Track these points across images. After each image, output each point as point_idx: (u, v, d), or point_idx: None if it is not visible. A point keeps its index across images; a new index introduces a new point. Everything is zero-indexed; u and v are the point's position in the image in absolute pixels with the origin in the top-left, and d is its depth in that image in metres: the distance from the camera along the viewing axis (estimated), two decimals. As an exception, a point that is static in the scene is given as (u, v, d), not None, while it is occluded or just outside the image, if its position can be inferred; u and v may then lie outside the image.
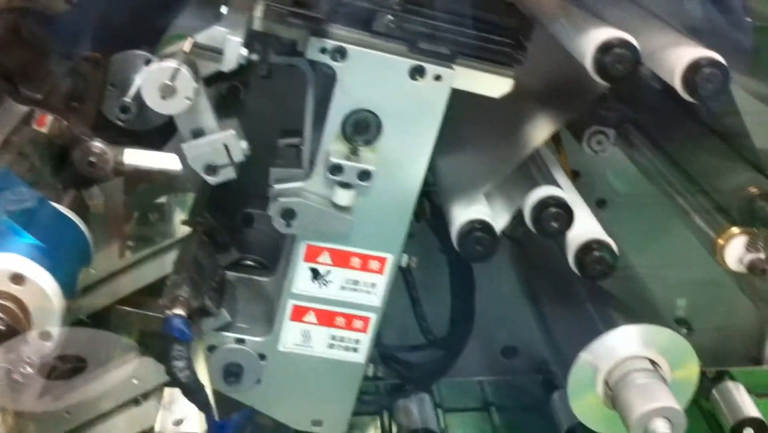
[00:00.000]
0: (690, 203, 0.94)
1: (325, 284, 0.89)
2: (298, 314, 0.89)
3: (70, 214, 0.71)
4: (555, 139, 1.10)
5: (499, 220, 0.85)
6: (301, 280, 0.88)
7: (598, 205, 1.22)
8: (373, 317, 0.91)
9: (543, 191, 0.82)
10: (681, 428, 0.83)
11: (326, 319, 0.90)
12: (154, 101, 0.71)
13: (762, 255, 0.83)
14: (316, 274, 0.88)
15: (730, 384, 1.23)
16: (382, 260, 0.88)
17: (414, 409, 1.19)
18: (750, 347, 1.31)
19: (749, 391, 1.26)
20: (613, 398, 0.88)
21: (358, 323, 0.91)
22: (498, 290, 1.23)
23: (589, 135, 1.05)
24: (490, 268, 1.19)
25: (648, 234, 1.24)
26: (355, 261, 0.88)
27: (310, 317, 0.90)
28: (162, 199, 1.03)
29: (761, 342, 1.30)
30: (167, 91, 0.70)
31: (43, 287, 0.63)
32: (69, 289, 0.66)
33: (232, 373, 0.91)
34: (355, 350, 0.92)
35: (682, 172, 0.96)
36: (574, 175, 1.20)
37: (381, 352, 1.03)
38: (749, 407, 1.19)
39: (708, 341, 1.30)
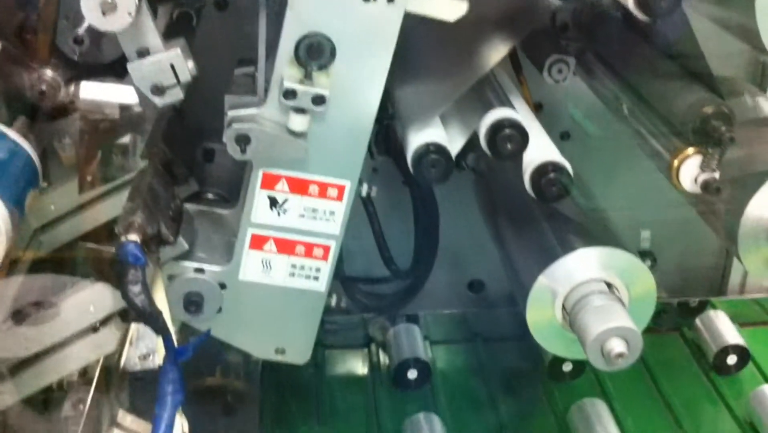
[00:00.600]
0: (647, 129, 0.93)
1: (283, 212, 0.89)
2: (258, 243, 0.89)
3: (17, 136, 0.70)
4: (516, 70, 1.10)
5: (455, 144, 0.85)
6: (259, 208, 0.88)
7: (561, 138, 1.23)
8: (333, 245, 0.91)
9: (498, 113, 0.82)
10: (637, 348, 0.84)
11: (286, 247, 0.90)
12: (94, 18, 0.70)
13: (716, 174, 0.83)
14: (274, 202, 0.88)
15: (712, 313, 1.25)
16: (340, 188, 0.88)
17: (404, 340, 1.20)
18: (714, 278, 1.32)
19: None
20: (571, 322, 0.89)
21: (318, 252, 0.91)
22: (464, 226, 1.24)
23: (550, 64, 1.05)
24: (455, 203, 1.21)
25: (612, 167, 1.25)
26: (313, 189, 0.88)
27: (270, 246, 0.90)
28: (125, 139, 1.03)
29: (725, 273, 1.31)
30: (107, 7, 0.69)
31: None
32: (15, 207, 0.65)
33: (192, 302, 0.91)
34: (315, 278, 0.92)
35: (640, 99, 0.96)
36: (538, 108, 1.20)
37: (344, 283, 1.04)
38: (732, 335, 1.21)
39: (672, 272, 1.32)
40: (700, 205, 0.96)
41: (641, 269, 0.90)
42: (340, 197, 0.88)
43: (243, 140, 0.83)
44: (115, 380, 1.04)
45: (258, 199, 0.88)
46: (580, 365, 1.17)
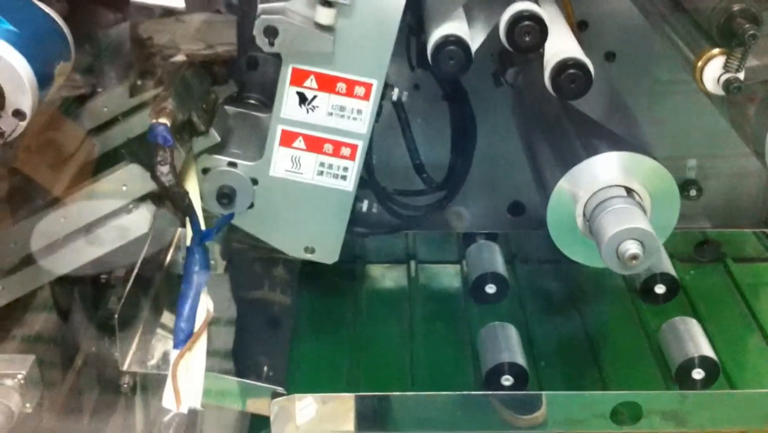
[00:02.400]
0: (682, 37, 0.92)
1: (312, 110, 0.91)
2: (287, 140, 0.92)
3: (51, 12, 0.74)
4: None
5: (477, 38, 0.85)
6: (288, 104, 0.91)
7: (606, 58, 1.21)
8: (360, 145, 0.93)
9: (518, 5, 0.82)
10: (653, 251, 0.84)
11: (314, 145, 0.93)
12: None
13: (739, 74, 0.82)
14: (303, 98, 0.91)
15: None
16: (367, 86, 0.90)
17: (484, 255, 1.22)
18: (760, 208, 1.29)
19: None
20: (590, 226, 0.89)
21: (345, 151, 0.93)
22: (504, 148, 1.24)
23: (590, -25, 1.04)
24: (495, 126, 1.21)
25: (659, 91, 1.23)
26: (341, 86, 0.90)
27: (299, 143, 0.92)
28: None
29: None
30: None
31: (15, 67, 0.67)
32: (43, 77, 0.70)
33: (224, 195, 0.95)
34: (343, 177, 0.94)
35: (677, 7, 0.94)
36: (582, 26, 1.19)
37: (377, 192, 1.06)
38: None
39: (718, 202, 1.30)
40: (732, 112, 0.94)
41: (665, 176, 0.89)
42: (366, 96, 0.90)
43: (271, 32, 0.85)
44: (159, 281, 1.10)
45: (288, 95, 0.91)
46: (673, 288, 1.16)
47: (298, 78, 0.90)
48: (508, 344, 1.05)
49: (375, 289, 1.24)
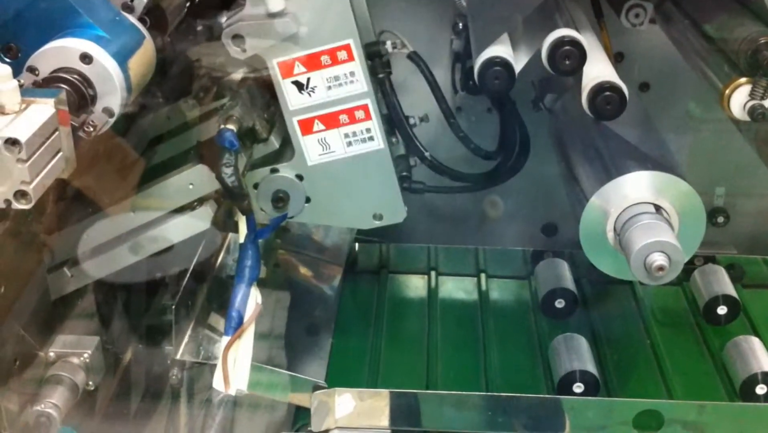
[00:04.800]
0: (712, 69, 0.98)
1: (312, 91, 0.97)
2: (307, 127, 0.98)
3: (137, 22, 0.83)
4: (597, 16, 1.16)
5: (520, 61, 0.92)
6: (290, 96, 0.97)
7: (641, 88, 1.27)
8: (369, 102, 0.98)
9: (560, 32, 0.89)
10: (678, 265, 0.89)
11: (331, 121, 0.98)
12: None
13: (765, 102, 0.88)
14: (300, 85, 0.97)
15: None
16: (346, 48, 0.95)
17: (552, 272, 1.28)
18: (786, 238, 1.34)
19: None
20: (620, 240, 0.95)
21: (359, 114, 0.99)
22: (541, 170, 1.30)
23: (628, 8, 1.10)
24: (534, 147, 1.27)
25: (689, 120, 1.29)
26: (325, 59, 0.96)
27: (318, 126, 0.98)
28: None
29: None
30: None
31: (107, 68, 0.75)
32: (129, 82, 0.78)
33: (279, 199, 1.02)
34: (371, 138, 1.00)
35: (708, 41, 1.01)
36: (619, 58, 1.26)
37: (429, 164, 1.10)
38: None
39: (746, 228, 1.35)
40: (759, 142, 1.00)
41: (692, 195, 0.95)
42: (351, 57, 0.95)
43: (238, 39, 0.92)
44: (210, 282, 1.18)
45: (286, 88, 0.97)
46: (735, 308, 1.22)
47: (286, 69, 0.96)
48: (579, 354, 1.11)
49: (444, 300, 1.30)
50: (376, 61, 1.02)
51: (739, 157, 1.26)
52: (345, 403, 1.05)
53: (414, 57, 1.05)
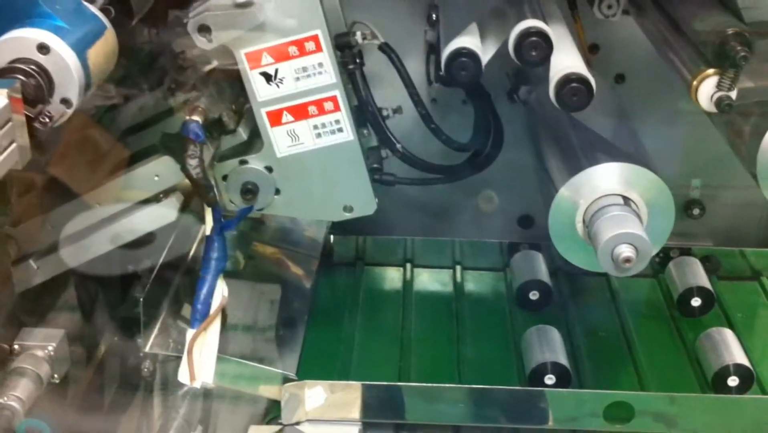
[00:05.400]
0: (679, 56, 0.98)
1: (280, 83, 0.96)
2: (276, 119, 0.98)
3: (98, 12, 0.82)
4: (571, 7, 1.16)
5: (488, 51, 0.92)
6: (258, 87, 0.96)
7: (616, 80, 1.27)
8: (338, 94, 0.98)
9: (526, 23, 0.89)
10: (646, 256, 0.89)
11: (300, 113, 0.98)
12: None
13: (731, 93, 0.87)
14: (267, 77, 0.96)
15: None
16: (314, 39, 0.95)
17: (529, 263, 1.27)
18: (762, 229, 1.34)
19: (761, 273, 1.30)
20: (588, 231, 0.94)
21: (328, 105, 0.98)
22: (516, 162, 1.29)
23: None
24: (507, 139, 1.27)
25: (666, 112, 1.28)
26: (293, 49, 0.95)
27: (287, 117, 0.98)
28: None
29: (773, 225, 1.33)
30: None
31: (65, 59, 0.74)
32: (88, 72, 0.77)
33: (248, 190, 1.02)
34: (340, 129, 0.99)
35: (678, 32, 1.00)
36: (594, 49, 1.25)
37: (400, 156, 1.09)
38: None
39: (721, 222, 1.34)
40: (730, 132, 0.99)
41: (661, 187, 0.95)
42: (319, 48, 0.95)
43: (204, 29, 0.91)
44: (182, 273, 1.17)
45: (254, 79, 0.96)
46: (709, 301, 1.22)
47: (254, 60, 0.95)
48: (551, 346, 1.11)
49: (419, 292, 1.30)
50: (347, 53, 1.01)
51: (715, 149, 1.25)
52: (316, 395, 1.05)
53: (385, 48, 1.04)
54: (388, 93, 1.12)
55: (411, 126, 1.17)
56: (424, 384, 1.05)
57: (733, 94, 0.88)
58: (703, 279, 1.23)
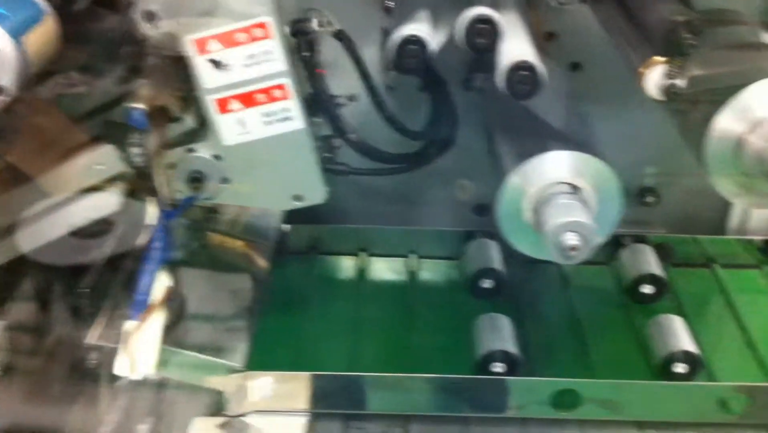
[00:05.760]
0: (631, 44, 0.98)
1: (228, 69, 0.95)
2: (223, 106, 0.96)
3: (42, 1, 0.80)
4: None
5: (439, 37, 0.91)
6: (206, 74, 0.95)
7: (572, 68, 1.26)
8: (287, 81, 0.96)
9: (474, 10, 0.88)
10: (591, 243, 0.89)
11: (248, 100, 0.96)
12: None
13: (679, 81, 0.87)
14: (215, 63, 0.95)
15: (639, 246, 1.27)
16: (262, 25, 0.93)
17: (483, 252, 1.27)
18: (715, 216, 1.34)
19: (714, 260, 1.31)
20: (536, 219, 0.94)
21: (277, 93, 0.96)
22: (472, 150, 1.29)
23: (555, -14, 1.09)
24: (463, 127, 1.26)
25: (622, 100, 1.28)
26: (241, 36, 0.94)
27: (235, 104, 0.96)
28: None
29: (726, 212, 1.34)
30: None
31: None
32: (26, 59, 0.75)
33: (194, 179, 1.00)
34: (289, 118, 0.98)
35: (630, 18, 1.00)
36: (550, 37, 1.25)
37: (353, 145, 1.08)
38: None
39: (675, 209, 1.35)
40: (680, 121, 0.99)
41: (610, 175, 0.95)
42: (268, 34, 0.93)
43: (151, 16, 0.90)
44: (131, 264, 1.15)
45: (201, 66, 0.94)
46: (661, 288, 1.22)
47: (201, 46, 0.94)
48: (500, 334, 1.11)
49: (373, 281, 1.30)
50: (301, 39, 1.00)
51: (670, 137, 1.23)
52: (263, 386, 1.04)
53: (340, 35, 1.03)
54: (345, 81, 1.11)
55: (368, 114, 1.16)
56: (374, 374, 1.04)
57: (681, 83, 0.88)
58: (655, 266, 1.24)
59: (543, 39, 1.22)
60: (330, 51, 1.06)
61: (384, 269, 1.32)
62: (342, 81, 1.09)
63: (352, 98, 1.09)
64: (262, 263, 1.27)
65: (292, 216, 1.28)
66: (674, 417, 1.05)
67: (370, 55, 1.11)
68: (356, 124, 1.10)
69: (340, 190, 1.31)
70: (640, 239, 1.30)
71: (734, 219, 1.34)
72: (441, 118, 1.11)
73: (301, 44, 0.99)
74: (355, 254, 1.33)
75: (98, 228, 1.04)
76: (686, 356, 1.07)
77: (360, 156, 1.09)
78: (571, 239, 0.88)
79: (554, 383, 1.02)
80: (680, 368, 1.07)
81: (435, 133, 1.10)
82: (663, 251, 1.30)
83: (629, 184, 1.31)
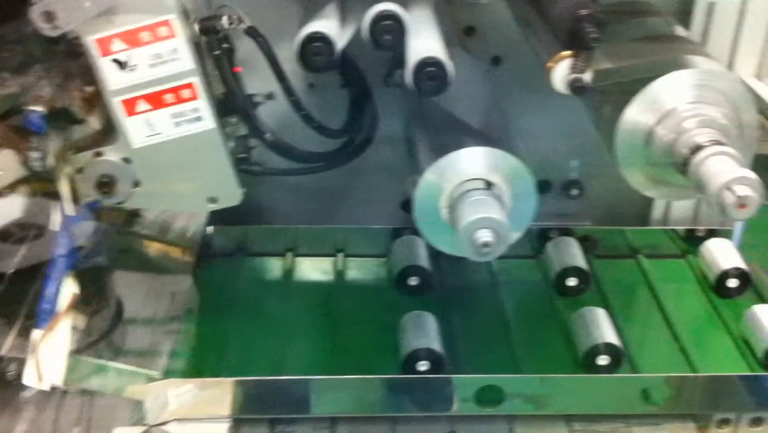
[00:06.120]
0: (540, 39, 0.97)
1: (133, 70, 0.92)
2: (130, 108, 0.94)
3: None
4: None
5: (346, 35, 0.89)
6: (110, 76, 0.92)
7: (493, 62, 1.26)
8: (195, 80, 0.94)
9: (380, 6, 0.87)
10: (506, 241, 0.89)
11: (156, 101, 0.94)
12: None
13: (584, 76, 0.87)
14: (120, 64, 0.92)
15: (716, 240, 1.28)
16: (166, 24, 0.91)
17: (409, 249, 1.26)
18: (639, 208, 1.36)
19: (639, 251, 1.32)
20: (451, 216, 0.94)
21: (186, 93, 0.94)
22: (398, 148, 1.28)
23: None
24: (390, 123, 1.25)
25: (543, 94, 1.28)
26: (145, 35, 0.92)
27: (142, 106, 0.94)
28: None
29: (649, 203, 1.35)
30: None
31: None
32: None
33: (104, 184, 0.97)
34: (199, 118, 0.96)
35: (540, 13, 1.00)
36: (470, 31, 1.24)
37: (268, 144, 1.06)
38: (734, 260, 1.24)
39: (600, 201, 1.36)
40: (594, 113, 1.00)
41: (523, 171, 0.95)
42: (172, 33, 0.92)
43: (50, 17, 0.87)
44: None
45: (105, 67, 0.92)
46: (585, 280, 1.22)
47: (104, 46, 0.91)
48: (425, 332, 1.10)
49: (301, 281, 1.28)
50: (212, 37, 0.98)
51: (592, 129, 1.25)
52: (184, 393, 1.02)
53: (251, 32, 1.01)
54: (264, 79, 1.09)
55: (290, 112, 1.15)
56: (298, 377, 1.03)
57: (587, 77, 0.88)
58: (579, 259, 1.24)
59: (463, 34, 1.22)
60: (248, 49, 1.04)
61: (312, 269, 1.30)
62: (261, 79, 1.08)
63: (270, 96, 1.07)
64: (186, 266, 1.25)
65: (221, 217, 1.26)
66: (598, 409, 1.06)
67: (291, 53, 1.09)
68: (277, 123, 1.09)
69: (267, 190, 1.33)
70: (566, 232, 1.30)
71: (657, 210, 1.35)
72: (360, 116, 1.10)
73: (212, 42, 0.97)
74: (282, 255, 1.31)
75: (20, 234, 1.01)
76: (608, 348, 1.08)
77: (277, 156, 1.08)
78: (484, 235, 0.87)
79: (477, 380, 1.01)
80: (603, 360, 1.08)
81: (353, 131, 1.09)
82: (588, 243, 1.31)
83: (554, 177, 1.35)
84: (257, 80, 1.06)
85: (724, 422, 1.06)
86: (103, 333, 1.08)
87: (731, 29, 1.21)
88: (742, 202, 0.81)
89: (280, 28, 1.07)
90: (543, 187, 1.34)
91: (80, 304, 1.07)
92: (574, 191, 1.34)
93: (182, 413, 1.01)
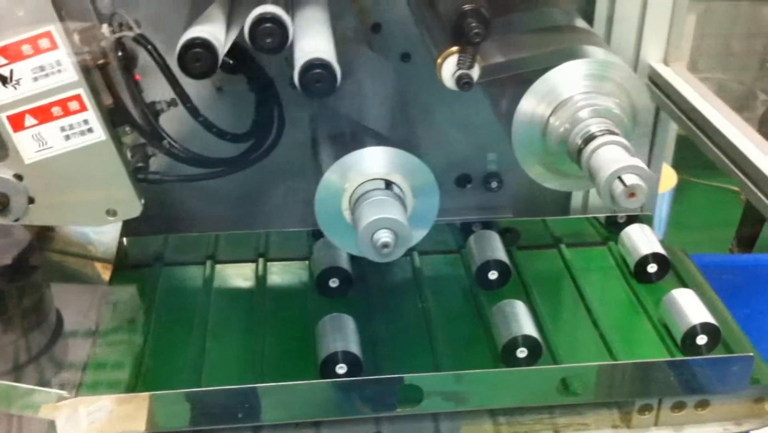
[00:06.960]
0: (431, 35, 0.97)
1: (17, 84, 0.91)
2: (18, 123, 0.92)
3: None
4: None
5: (230, 38, 0.88)
6: None
7: (402, 59, 1.25)
8: (82, 92, 0.92)
9: (260, 9, 0.85)
10: (406, 241, 0.88)
11: (43, 115, 0.92)
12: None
13: (471, 71, 0.87)
14: (3, 79, 0.91)
15: (636, 227, 1.28)
16: (47, 35, 0.90)
17: (329, 250, 1.24)
18: (560, 197, 1.36)
19: (560, 240, 1.33)
20: (353, 217, 0.93)
21: (73, 105, 0.93)
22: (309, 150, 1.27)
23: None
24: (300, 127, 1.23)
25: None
26: (27, 48, 0.90)
27: (30, 120, 0.92)
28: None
29: (569, 192, 1.35)
30: None
31: None
32: None
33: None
34: (90, 130, 0.94)
35: (431, 8, 0.99)
36: (377, 28, 1.23)
37: (166, 152, 1.04)
38: (654, 246, 1.24)
39: (520, 193, 1.36)
40: (494, 106, 1.00)
41: (424, 171, 0.94)
42: (54, 45, 0.90)
43: None
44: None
45: None
46: (506, 272, 1.22)
47: None
48: (343, 334, 1.08)
49: (221, 289, 1.26)
50: (94, 47, 0.95)
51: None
52: (98, 411, 1.00)
53: (140, 40, 0.99)
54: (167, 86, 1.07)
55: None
56: (213, 388, 1.01)
57: (474, 72, 0.87)
58: (500, 252, 1.24)
59: (370, 31, 1.22)
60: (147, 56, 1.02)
61: (233, 275, 1.29)
62: (166, 86, 1.06)
63: (171, 103, 1.06)
64: (100, 279, 1.22)
65: (130, 228, 1.24)
66: (519, 402, 1.06)
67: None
68: (183, 129, 1.07)
69: (184, 197, 1.30)
70: (488, 225, 1.30)
71: (576, 198, 1.35)
72: (265, 119, 1.09)
73: (93, 53, 0.95)
74: (202, 263, 1.29)
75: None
76: (526, 341, 1.08)
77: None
78: (383, 236, 0.86)
79: (395, 380, 1.01)
80: (521, 352, 1.08)
81: (257, 134, 1.07)
82: (510, 235, 1.31)
83: (473, 171, 1.35)
84: (163, 87, 1.04)
85: (646, 408, 1.07)
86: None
87: (636, 16, 1.21)
88: (631, 191, 0.81)
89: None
90: (463, 181, 1.35)
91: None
92: (494, 184, 1.34)
93: (95, 429, 0.99)
